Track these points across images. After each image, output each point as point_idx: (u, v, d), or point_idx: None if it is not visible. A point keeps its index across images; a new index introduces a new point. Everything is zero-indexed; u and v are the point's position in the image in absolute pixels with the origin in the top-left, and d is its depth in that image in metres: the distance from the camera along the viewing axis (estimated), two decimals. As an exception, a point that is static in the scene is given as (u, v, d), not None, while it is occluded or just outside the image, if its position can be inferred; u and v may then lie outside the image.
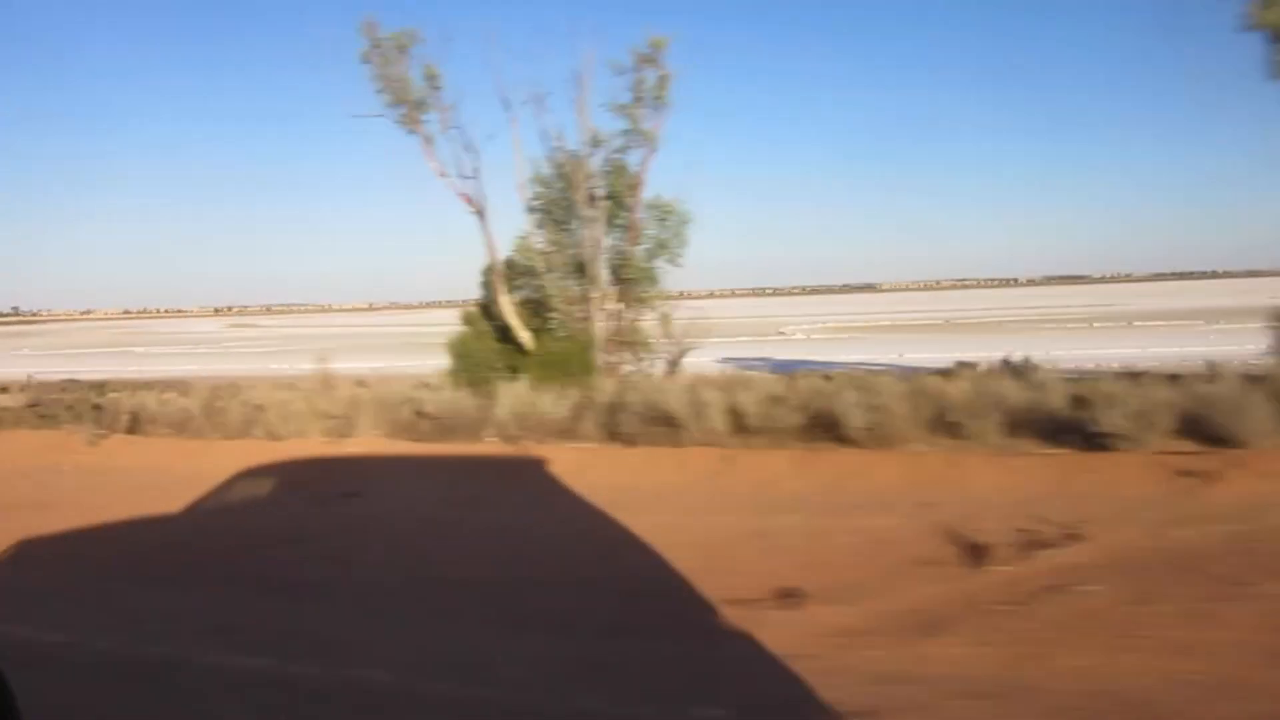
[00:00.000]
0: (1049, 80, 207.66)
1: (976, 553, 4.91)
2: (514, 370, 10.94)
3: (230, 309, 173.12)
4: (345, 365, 17.63)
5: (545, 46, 30.98)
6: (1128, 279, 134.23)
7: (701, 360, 14.42)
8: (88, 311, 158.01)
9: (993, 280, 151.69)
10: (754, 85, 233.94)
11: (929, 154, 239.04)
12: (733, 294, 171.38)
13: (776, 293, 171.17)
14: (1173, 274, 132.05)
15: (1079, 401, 7.20)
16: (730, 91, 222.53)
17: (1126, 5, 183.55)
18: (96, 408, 11.33)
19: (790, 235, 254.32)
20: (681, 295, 12.96)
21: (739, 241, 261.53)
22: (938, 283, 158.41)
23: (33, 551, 6.06)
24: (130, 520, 6.87)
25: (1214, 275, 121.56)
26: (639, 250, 12.07)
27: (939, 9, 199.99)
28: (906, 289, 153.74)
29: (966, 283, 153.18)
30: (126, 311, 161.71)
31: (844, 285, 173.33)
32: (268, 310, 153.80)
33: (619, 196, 11.97)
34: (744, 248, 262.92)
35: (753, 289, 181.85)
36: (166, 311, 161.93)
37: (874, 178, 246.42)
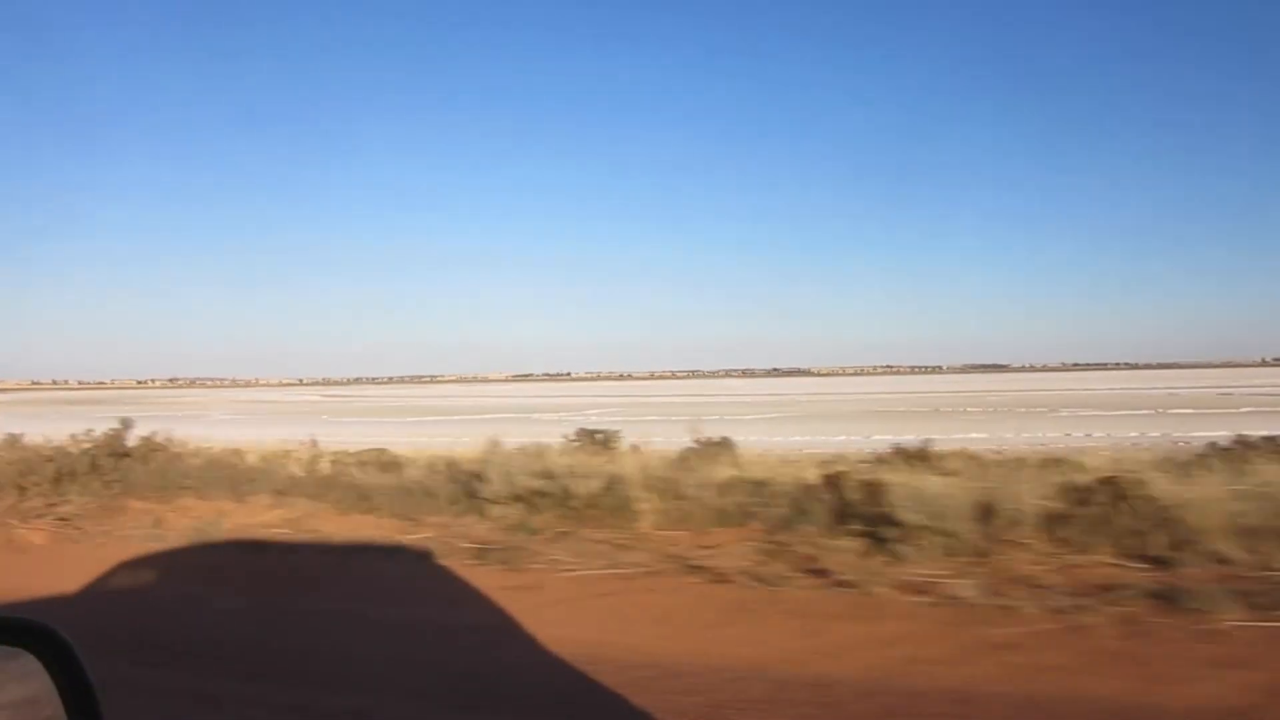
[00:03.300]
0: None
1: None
2: None
3: (154, 381, 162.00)
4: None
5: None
6: (1043, 368, 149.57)
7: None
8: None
9: (920, 367, 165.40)
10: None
11: (846, 241, 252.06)
12: (673, 375, 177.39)
13: (713, 375, 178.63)
14: (1078, 365, 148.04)
15: None
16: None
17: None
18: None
19: (716, 317, 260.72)
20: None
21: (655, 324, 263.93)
22: (873, 368, 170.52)
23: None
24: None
25: (1124, 366, 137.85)
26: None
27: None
28: (841, 373, 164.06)
29: (896, 368, 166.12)
30: (35, 383, 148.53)
31: (773, 369, 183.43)
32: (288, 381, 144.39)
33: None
34: (659, 328, 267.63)
35: (689, 370, 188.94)
36: (82, 384, 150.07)
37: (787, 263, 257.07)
